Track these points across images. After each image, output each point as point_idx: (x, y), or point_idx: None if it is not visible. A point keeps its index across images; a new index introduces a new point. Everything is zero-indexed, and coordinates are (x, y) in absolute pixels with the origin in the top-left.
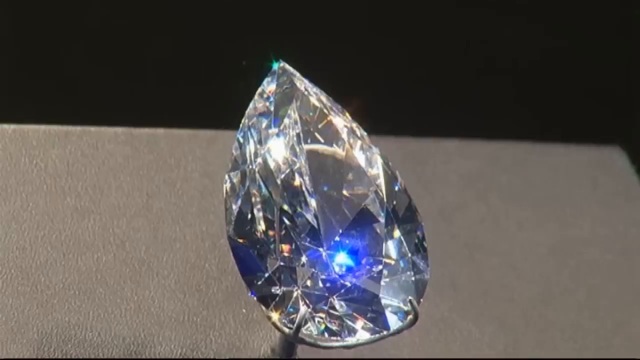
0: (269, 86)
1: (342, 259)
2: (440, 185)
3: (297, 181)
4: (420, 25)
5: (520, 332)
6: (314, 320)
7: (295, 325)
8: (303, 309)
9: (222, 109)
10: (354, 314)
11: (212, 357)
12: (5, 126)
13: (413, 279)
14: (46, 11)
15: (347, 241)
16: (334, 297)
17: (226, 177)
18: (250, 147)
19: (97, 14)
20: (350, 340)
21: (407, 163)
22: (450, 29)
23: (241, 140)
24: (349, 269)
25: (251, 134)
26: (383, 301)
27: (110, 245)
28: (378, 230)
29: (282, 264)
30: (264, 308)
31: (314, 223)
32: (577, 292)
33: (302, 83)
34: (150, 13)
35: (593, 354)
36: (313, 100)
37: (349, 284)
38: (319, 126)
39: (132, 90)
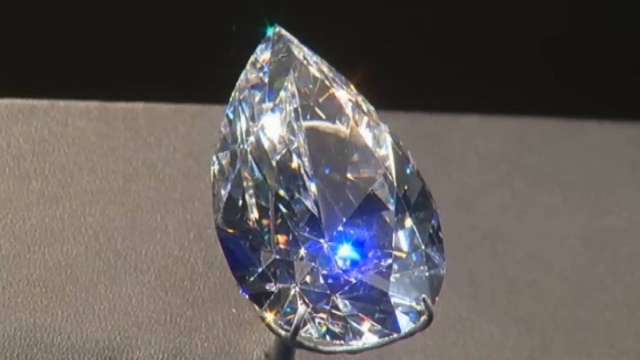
0: (262, 54)
1: (346, 251)
2: (458, 168)
3: (295, 163)
4: None
5: (549, 334)
6: (314, 322)
7: (292, 326)
8: (302, 308)
9: (209, 81)
10: (360, 315)
11: None
12: None
13: (427, 274)
14: None
15: (351, 231)
16: (337, 295)
17: (214, 158)
18: (242, 124)
19: None
20: (355, 344)
21: (420, 142)
22: None
23: (231, 116)
24: (354, 263)
25: (242, 109)
26: (392, 300)
27: (82, 235)
28: (387, 219)
29: (277, 257)
30: (257, 307)
31: (314, 211)
32: (613, 289)
33: (301, 51)
34: None
35: (631, 359)
36: (313, 70)
37: (353, 281)
38: (320, 100)
39: (107, 58)
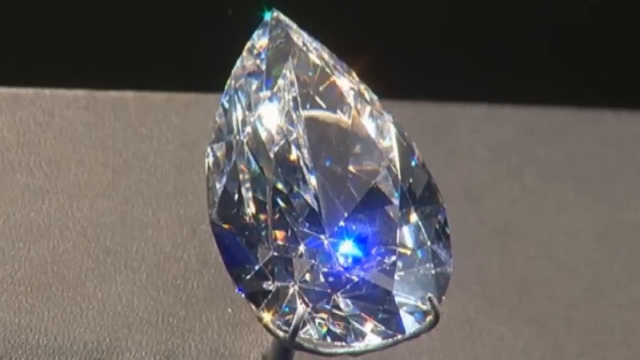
0: (259, 40)
1: (347, 248)
2: (465, 160)
3: (294, 155)
4: None
5: (562, 335)
6: (314, 322)
7: (291, 327)
8: (301, 308)
9: (204, 68)
10: (362, 315)
11: None
12: None
13: (433, 272)
14: None
15: (353, 227)
16: (338, 294)
17: (208, 149)
18: (238, 114)
19: None
20: (358, 346)
21: (426, 133)
22: None
23: (226, 105)
24: (356, 261)
25: (238, 98)
26: (397, 299)
27: (69, 231)
28: (391, 214)
29: (275, 254)
30: (253, 307)
31: (314, 205)
32: (629, 288)
33: (300, 37)
34: None
35: None
36: (313, 57)
37: (355, 279)
38: (320, 88)
39: (95, 45)
